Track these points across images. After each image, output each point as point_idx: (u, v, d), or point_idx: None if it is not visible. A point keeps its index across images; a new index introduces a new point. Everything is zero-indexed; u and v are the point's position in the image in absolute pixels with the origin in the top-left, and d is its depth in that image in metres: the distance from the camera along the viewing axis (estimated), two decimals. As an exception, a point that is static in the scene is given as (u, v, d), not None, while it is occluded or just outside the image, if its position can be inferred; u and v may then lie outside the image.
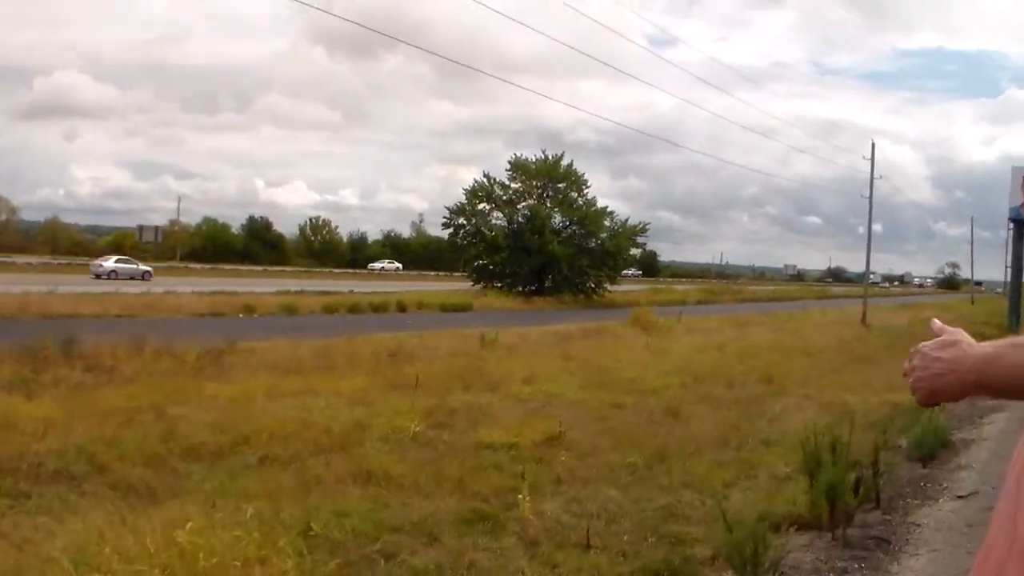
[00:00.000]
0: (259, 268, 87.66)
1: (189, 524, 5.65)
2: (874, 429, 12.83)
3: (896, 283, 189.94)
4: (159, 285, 46.10)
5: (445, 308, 43.36)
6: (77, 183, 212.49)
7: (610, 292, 63.49)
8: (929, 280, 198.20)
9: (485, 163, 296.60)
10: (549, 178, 64.07)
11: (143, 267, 67.17)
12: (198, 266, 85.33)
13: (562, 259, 58.84)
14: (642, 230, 64.57)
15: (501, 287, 60.61)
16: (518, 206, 63.81)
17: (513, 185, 64.41)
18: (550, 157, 63.96)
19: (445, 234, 66.70)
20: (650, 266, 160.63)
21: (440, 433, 12.60)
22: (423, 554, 7.21)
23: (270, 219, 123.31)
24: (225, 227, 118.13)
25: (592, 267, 60.84)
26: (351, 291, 50.07)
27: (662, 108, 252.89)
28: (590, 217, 62.48)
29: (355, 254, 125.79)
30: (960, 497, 9.59)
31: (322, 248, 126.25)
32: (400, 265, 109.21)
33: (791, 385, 20.33)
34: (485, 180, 63.92)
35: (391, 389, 16.38)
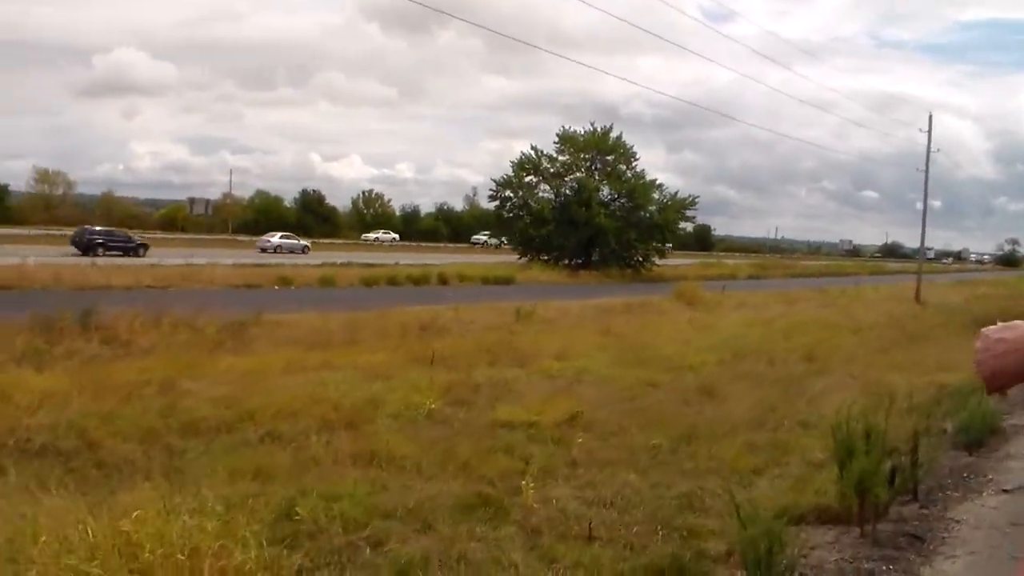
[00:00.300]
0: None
1: (136, 512, 5.15)
2: (916, 413, 12.12)
3: (952, 260, 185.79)
4: (202, 257, 45.85)
5: (487, 281, 42.88)
6: (136, 158, 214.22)
7: (658, 266, 62.59)
8: (987, 256, 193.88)
9: (539, 137, 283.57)
10: (597, 150, 63.23)
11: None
12: (246, 238, 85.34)
13: (609, 232, 58.03)
14: (691, 203, 63.52)
15: (547, 260, 59.95)
16: (565, 179, 63.00)
17: (560, 158, 63.59)
18: (599, 129, 63.04)
19: (493, 207, 65.95)
20: (703, 240, 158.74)
21: (457, 411, 12.10)
22: (413, 542, 6.70)
23: (323, 192, 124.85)
24: (278, 200, 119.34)
25: (639, 240, 59.97)
26: (396, 263, 49.74)
27: (718, 82, 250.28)
28: (638, 190, 61.54)
29: (407, 226, 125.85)
30: (1006, 491, 8.91)
31: (375, 221, 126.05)
32: (397, 236, 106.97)
33: (835, 364, 19.62)
34: (533, 152, 63.22)
35: (414, 364, 15.92)
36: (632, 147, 63.53)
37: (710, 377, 16.51)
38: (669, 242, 64.50)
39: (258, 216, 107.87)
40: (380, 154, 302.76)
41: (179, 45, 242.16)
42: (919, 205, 47.72)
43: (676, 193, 63.67)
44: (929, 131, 48.29)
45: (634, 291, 37.94)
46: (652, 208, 61.86)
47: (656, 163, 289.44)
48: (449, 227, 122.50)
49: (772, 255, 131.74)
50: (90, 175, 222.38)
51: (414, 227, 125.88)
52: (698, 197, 65.58)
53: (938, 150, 49.13)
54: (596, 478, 8.94)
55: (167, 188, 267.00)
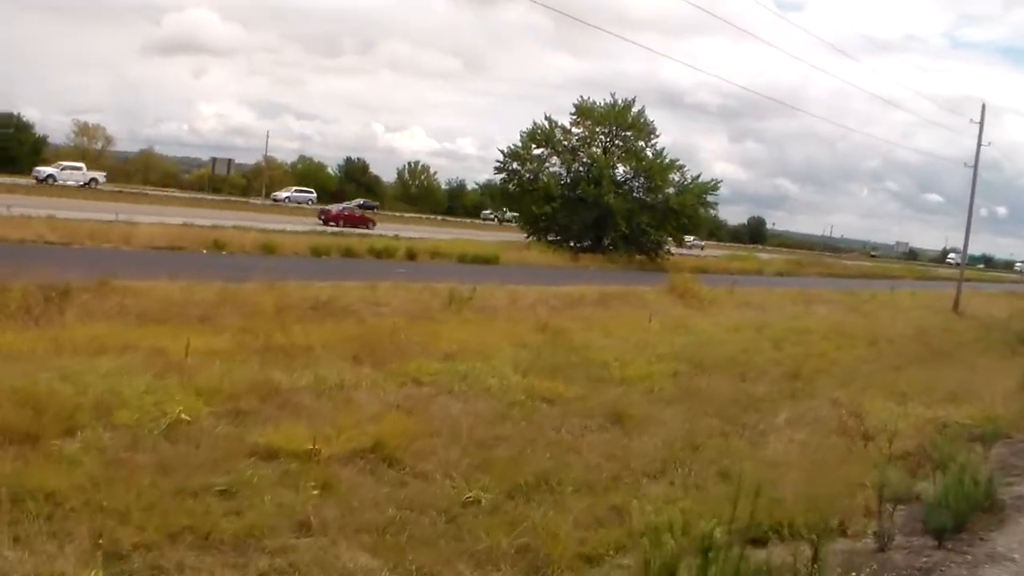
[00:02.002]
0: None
1: None
2: (893, 466, 9.02)
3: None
4: (178, 216, 42.87)
5: (464, 259, 39.63)
6: (201, 119, 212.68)
7: (672, 254, 59.10)
8: (1018, 266, 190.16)
9: None
10: (616, 125, 59.67)
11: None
12: (259, 201, 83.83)
13: (618, 213, 54.40)
14: (713, 188, 59.56)
15: (553, 241, 56.71)
16: (580, 154, 59.59)
17: (575, 130, 60.16)
18: (619, 102, 59.50)
19: (498, 179, 62.66)
20: (757, 233, 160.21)
21: (219, 425, 9.05)
22: None
23: (383, 162, 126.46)
24: (320, 166, 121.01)
25: (652, 225, 56.36)
26: (396, 236, 47.51)
27: (784, 74, 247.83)
28: (654, 170, 57.86)
29: (453, 201, 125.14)
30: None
31: (419, 193, 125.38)
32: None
33: (824, 384, 16.81)
34: (546, 123, 59.80)
35: (252, 354, 12.96)
36: (652, 122, 60.00)
37: (641, 395, 13.74)
38: (689, 228, 60.44)
39: (298, 182, 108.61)
40: (442, 127, 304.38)
41: (249, 8, 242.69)
42: (984, 211, 44.22)
43: (698, 176, 59.95)
44: (981, 123, 44.64)
45: (632, 280, 34.51)
46: (670, 191, 58.27)
47: (718, 152, 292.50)
48: (492, 201, 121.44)
49: (817, 253, 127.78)
50: (155, 133, 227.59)
51: (459, 202, 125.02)
52: (720, 181, 61.70)
53: (989, 144, 45.46)
54: (300, 557, 5.80)
55: (231, 151, 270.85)
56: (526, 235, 59.27)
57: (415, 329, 17.19)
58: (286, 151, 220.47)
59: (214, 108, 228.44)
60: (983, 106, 45.44)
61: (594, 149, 59.67)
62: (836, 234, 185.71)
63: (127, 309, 15.81)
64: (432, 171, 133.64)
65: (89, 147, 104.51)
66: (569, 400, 12.64)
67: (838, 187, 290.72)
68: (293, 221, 52.49)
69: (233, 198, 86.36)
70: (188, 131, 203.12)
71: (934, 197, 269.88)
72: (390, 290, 22.04)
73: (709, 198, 59.79)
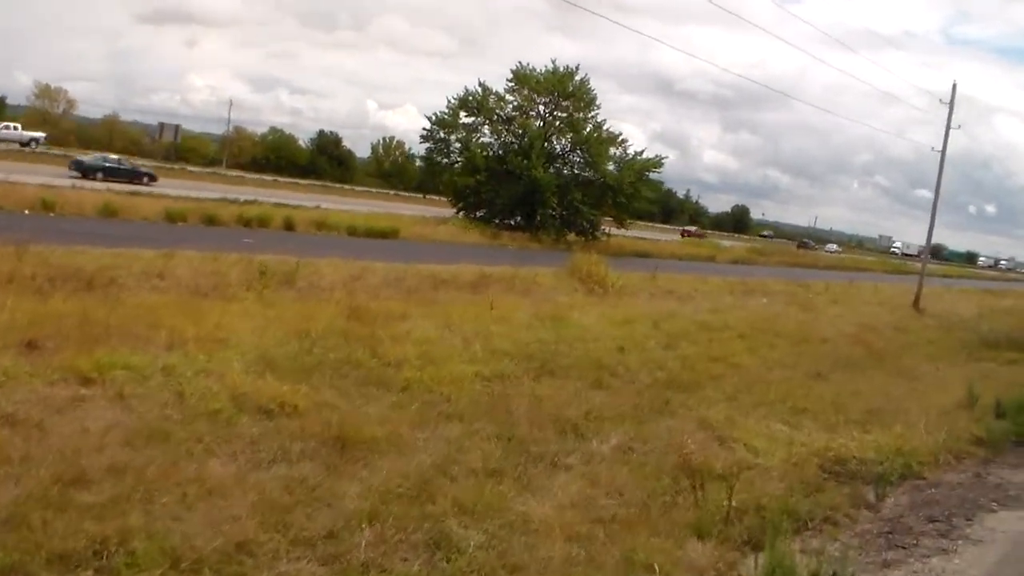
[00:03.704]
0: (270, 178, 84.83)
1: None
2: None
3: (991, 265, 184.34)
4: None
5: (354, 232, 36.31)
6: (194, 90, 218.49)
7: (610, 235, 55.80)
8: (1000, 262, 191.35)
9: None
10: (557, 94, 56.21)
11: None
12: (198, 169, 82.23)
13: (547, 189, 50.97)
14: (655, 165, 55.97)
15: (480, 217, 53.45)
16: (515, 124, 56.14)
17: (509, 98, 56.73)
18: (560, 69, 56.00)
19: (424, 149, 59.19)
20: (741, 221, 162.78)
21: None
22: None
23: (361, 136, 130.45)
24: (291, 138, 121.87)
25: (587, 203, 52.93)
26: (317, 206, 45.56)
27: (780, 65, 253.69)
28: (591, 143, 54.44)
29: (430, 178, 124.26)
30: None
31: (392, 169, 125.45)
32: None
33: (705, 397, 13.91)
34: (479, 89, 56.31)
35: None
36: (593, 92, 56.57)
37: (422, 406, 11.01)
38: (629, 208, 56.75)
39: (268, 153, 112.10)
40: (437, 105, 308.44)
41: None
42: (973, 208, 41.74)
43: (642, 152, 56.45)
44: (951, 105, 42.01)
45: (542, 261, 31.07)
46: (609, 167, 54.92)
47: (709, 140, 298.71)
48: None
49: (783, 242, 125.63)
50: (144, 103, 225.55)
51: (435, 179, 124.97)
52: (665, 158, 57.81)
53: (959, 127, 43.41)
54: None
55: (222, 123, 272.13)
56: (457, 210, 56.02)
57: (177, 309, 14.25)
58: (280, 125, 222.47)
59: (206, 80, 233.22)
60: (953, 85, 42.87)
61: (532, 119, 56.26)
62: (824, 226, 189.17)
63: None
64: (407, 147, 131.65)
65: (50, 110, 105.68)
66: (302, 412, 9.64)
67: (829, 180, 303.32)
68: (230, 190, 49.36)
69: (172, 165, 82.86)
70: (180, 102, 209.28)
71: (924, 193, 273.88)
72: (192, 261, 18.98)
73: (652, 176, 56.46)
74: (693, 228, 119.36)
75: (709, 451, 10.21)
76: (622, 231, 59.00)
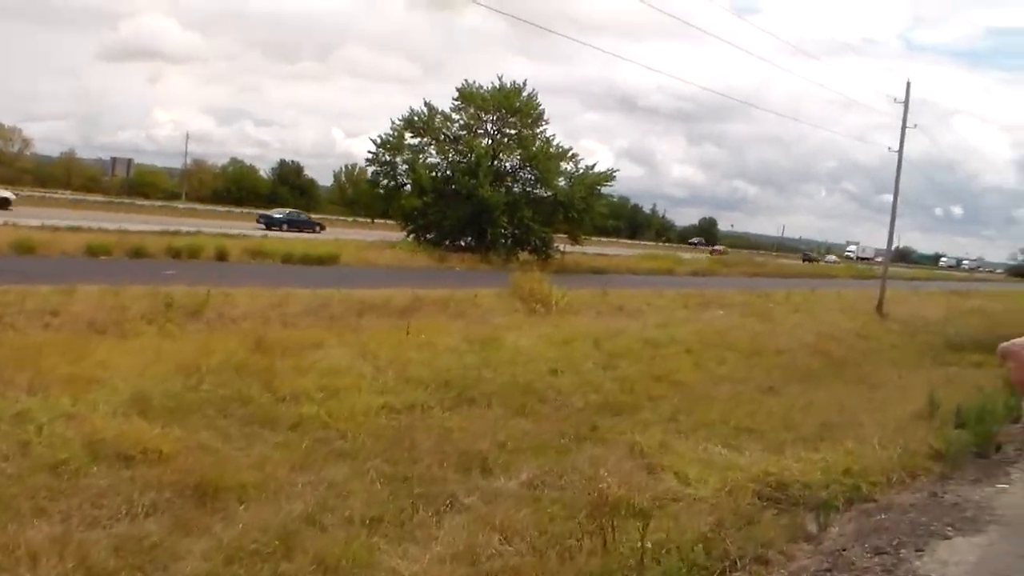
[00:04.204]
0: (223, 209, 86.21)
1: None
2: None
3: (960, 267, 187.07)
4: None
5: (290, 260, 35.14)
6: (159, 126, 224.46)
7: (564, 253, 54.71)
8: (966, 263, 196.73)
9: (561, 123, 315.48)
10: (505, 110, 55.21)
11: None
12: (149, 203, 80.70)
13: (495, 208, 49.97)
14: (606, 178, 54.98)
15: (430, 240, 52.41)
16: (462, 144, 55.12)
17: (455, 116, 55.67)
18: (506, 85, 55.02)
19: (370, 172, 58.10)
20: (708, 233, 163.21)
21: None
22: None
23: (302, 164, 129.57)
24: (252, 169, 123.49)
25: (536, 220, 51.87)
26: (264, 236, 45.68)
27: (741, 77, 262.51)
28: (540, 159, 53.43)
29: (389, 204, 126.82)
30: None
31: (355, 196, 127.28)
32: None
33: (642, 420, 13.01)
34: (425, 110, 55.25)
35: None
36: (541, 107, 55.61)
37: (314, 444, 10.09)
38: (582, 223, 55.54)
39: (230, 185, 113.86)
40: None
41: (206, 14, 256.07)
42: (939, 211, 41.34)
43: (593, 166, 55.49)
44: (906, 103, 41.72)
45: (487, 282, 30.02)
46: (561, 183, 53.96)
47: (675, 155, 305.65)
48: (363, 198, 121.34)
49: (751, 253, 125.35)
50: (111, 141, 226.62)
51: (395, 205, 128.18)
52: (617, 170, 57.48)
53: (915, 125, 43.45)
54: None
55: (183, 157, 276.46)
56: (408, 234, 54.89)
57: (62, 348, 13.24)
58: (246, 157, 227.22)
59: (172, 115, 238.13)
60: (907, 84, 42.64)
61: (479, 138, 55.26)
62: (793, 235, 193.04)
63: None
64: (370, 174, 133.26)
65: (5, 149, 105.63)
66: (168, 458, 8.68)
67: (795, 188, 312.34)
68: (164, 221, 48.56)
69: (123, 200, 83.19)
70: (146, 138, 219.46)
71: (889, 197, 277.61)
72: (93, 296, 17.76)
73: (617, 192, 55.69)
74: (719, 247, 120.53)
75: (634, 482, 9.21)
76: (578, 248, 57.97)
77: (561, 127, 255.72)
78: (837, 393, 16.68)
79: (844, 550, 7.71)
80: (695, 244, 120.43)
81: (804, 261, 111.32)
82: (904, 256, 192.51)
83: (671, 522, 7.97)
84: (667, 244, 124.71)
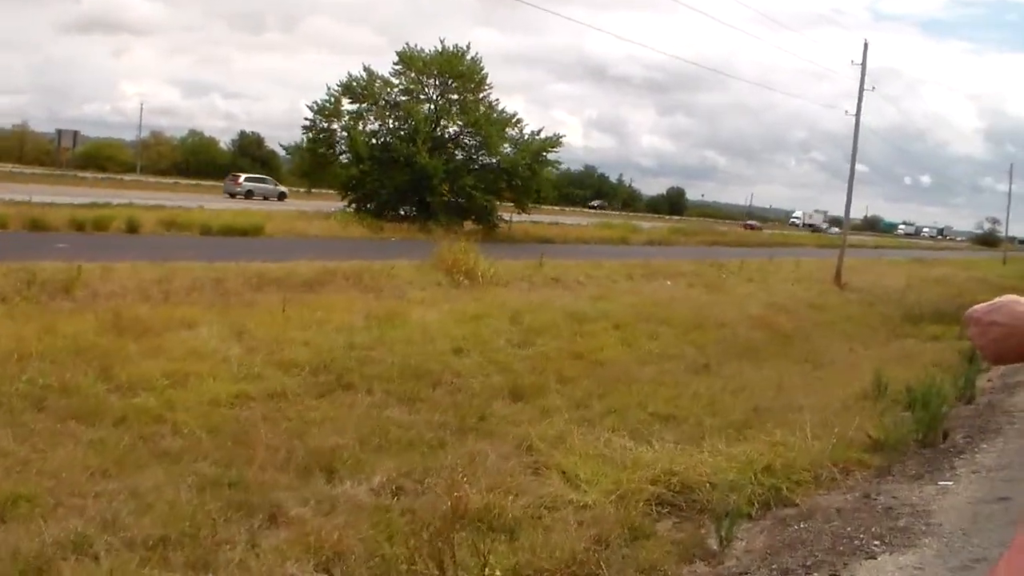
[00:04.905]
0: (170, 181, 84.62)
1: None
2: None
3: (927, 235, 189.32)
4: None
5: (209, 231, 33.49)
6: (125, 99, 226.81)
7: (508, 222, 53.19)
8: (926, 230, 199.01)
9: (530, 93, 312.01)
10: (448, 75, 53.49)
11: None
12: (92, 175, 78.98)
13: (434, 175, 48.38)
14: (552, 144, 53.36)
15: (370, 209, 50.82)
16: (401, 110, 53.38)
17: (395, 81, 53.88)
18: (449, 48, 53.24)
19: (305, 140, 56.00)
20: (676, 204, 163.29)
21: None
22: None
23: (269, 136, 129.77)
24: (212, 141, 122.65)
25: (479, 189, 50.29)
26: (200, 207, 42.41)
27: (712, 47, 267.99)
28: (482, 124, 51.81)
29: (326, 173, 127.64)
30: None
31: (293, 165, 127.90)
32: None
33: (547, 405, 11.70)
34: (364, 74, 53.40)
35: None
36: (484, 71, 53.97)
37: (135, 441, 8.93)
38: (528, 191, 53.90)
39: (188, 157, 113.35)
40: None
41: None
42: (908, 180, 40.29)
43: (539, 132, 53.97)
44: (863, 63, 40.58)
45: (419, 254, 28.34)
46: (506, 149, 52.39)
47: (647, 125, 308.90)
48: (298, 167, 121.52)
49: (712, 221, 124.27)
50: (77, 114, 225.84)
51: (332, 173, 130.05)
52: (563, 136, 55.53)
53: (873, 88, 42.13)
54: None
55: (155, 130, 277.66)
56: (347, 204, 53.18)
57: None
58: (215, 130, 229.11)
59: (138, 87, 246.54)
60: (864, 45, 41.29)
61: (421, 103, 53.55)
62: (763, 203, 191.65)
63: None
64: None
65: None
66: None
67: (766, 158, 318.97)
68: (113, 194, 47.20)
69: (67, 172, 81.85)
70: (111, 111, 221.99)
71: (859, 167, 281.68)
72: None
73: (550, 155, 53.95)
74: (755, 223, 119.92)
75: (510, 485, 7.94)
76: (530, 217, 56.45)
77: (530, 97, 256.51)
78: (779, 371, 15.41)
79: (746, 574, 6.43)
80: (595, 208, 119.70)
81: (746, 228, 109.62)
82: (873, 225, 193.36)
83: (541, 538, 6.68)
84: (633, 214, 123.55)
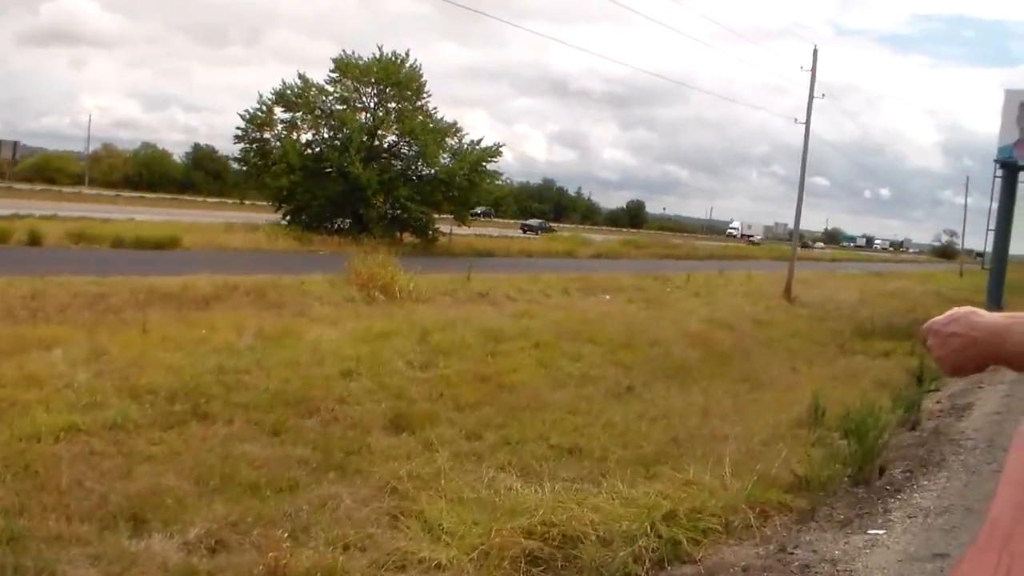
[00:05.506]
0: (111, 194, 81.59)
1: None
2: None
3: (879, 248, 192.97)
4: None
5: (121, 244, 32.14)
6: (84, 112, 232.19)
7: (446, 234, 52.16)
8: (879, 243, 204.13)
9: (492, 107, 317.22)
10: (386, 83, 52.39)
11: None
12: (27, 187, 77.15)
13: (367, 187, 47.21)
14: (491, 155, 52.40)
15: (301, 221, 49.63)
16: (335, 119, 52.25)
17: (330, 89, 52.71)
18: (387, 55, 52.15)
19: (236, 151, 54.69)
20: (636, 217, 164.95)
21: None
22: None
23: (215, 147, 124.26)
24: (164, 154, 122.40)
25: (414, 200, 49.11)
26: (131, 219, 42.03)
27: (673, 62, 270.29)
28: (418, 134, 50.70)
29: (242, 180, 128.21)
30: None
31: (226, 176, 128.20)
32: None
33: (433, 437, 10.40)
34: (299, 82, 52.17)
35: None
36: (424, 79, 52.94)
37: None
38: (463, 202, 52.72)
39: (140, 169, 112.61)
40: None
41: None
42: (868, 193, 39.72)
43: (479, 141, 52.91)
44: (813, 71, 40.03)
45: (338, 268, 27.05)
46: (445, 159, 51.36)
47: (608, 139, 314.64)
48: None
49: (665, 234, 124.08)
50: (34, 127, 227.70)
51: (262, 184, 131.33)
52: (503, 145, 55.33)
53: (823, 96, 42.30)
54: None
55: (115, 143, 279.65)
56: (282, 216, 51.88)
57: None
58: (173, 143, 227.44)
59: (97, 100, 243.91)
60: (814, 51, 40.74)
61: (357, 112, 52.42)
62: (726, 217, 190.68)
63: None
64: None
65: None
66: None
67: (727, 172, 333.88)
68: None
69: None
70: (69, 124, 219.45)
71: (819, 180, 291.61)
72: None
73: (490, 166, 52.95)
74: (754, 236, 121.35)
75: (360, 538, 6.78)
76: (473, 230, 55.68)
77: (494, 112, 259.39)
78: (709, 394, 14.36)
79: None
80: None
81: (747, 243, 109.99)
82: (833, 238, 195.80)
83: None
84: (593, 227, 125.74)
